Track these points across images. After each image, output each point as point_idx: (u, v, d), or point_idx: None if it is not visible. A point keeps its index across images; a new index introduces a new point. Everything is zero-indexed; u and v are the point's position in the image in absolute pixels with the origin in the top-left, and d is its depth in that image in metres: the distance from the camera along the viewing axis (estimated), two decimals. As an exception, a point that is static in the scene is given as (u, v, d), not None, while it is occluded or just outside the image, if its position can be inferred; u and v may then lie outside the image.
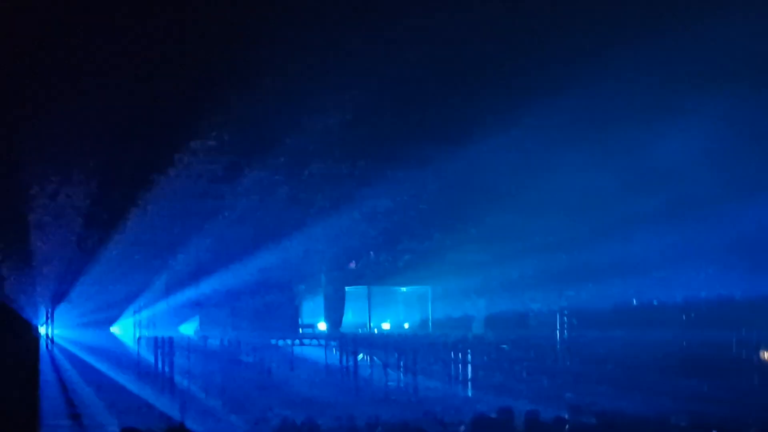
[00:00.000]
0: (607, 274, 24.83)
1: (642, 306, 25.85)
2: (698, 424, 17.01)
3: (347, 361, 24.82)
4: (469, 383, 25.24)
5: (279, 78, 18.85)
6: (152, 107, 18.73)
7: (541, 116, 20.32)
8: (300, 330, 25.97)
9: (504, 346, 25.69)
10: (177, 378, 23.60)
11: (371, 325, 27.46)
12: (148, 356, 24.02)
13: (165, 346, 23.82)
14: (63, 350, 22.91)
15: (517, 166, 22.40)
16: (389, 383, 24.53)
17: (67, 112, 18.37)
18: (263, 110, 20.07)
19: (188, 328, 25.99)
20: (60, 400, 21.10)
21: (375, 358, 25.32)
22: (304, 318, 26.55)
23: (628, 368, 24.31)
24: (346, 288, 26.91)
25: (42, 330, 22.19)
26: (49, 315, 22.46)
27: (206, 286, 24.69)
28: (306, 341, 25.51)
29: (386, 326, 28.20)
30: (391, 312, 28.79)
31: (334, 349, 25.16)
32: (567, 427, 16.60)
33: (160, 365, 23.71)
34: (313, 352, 25.40)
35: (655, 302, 25.71)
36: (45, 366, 21.54)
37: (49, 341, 22.30)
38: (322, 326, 26.62)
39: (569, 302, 26.24)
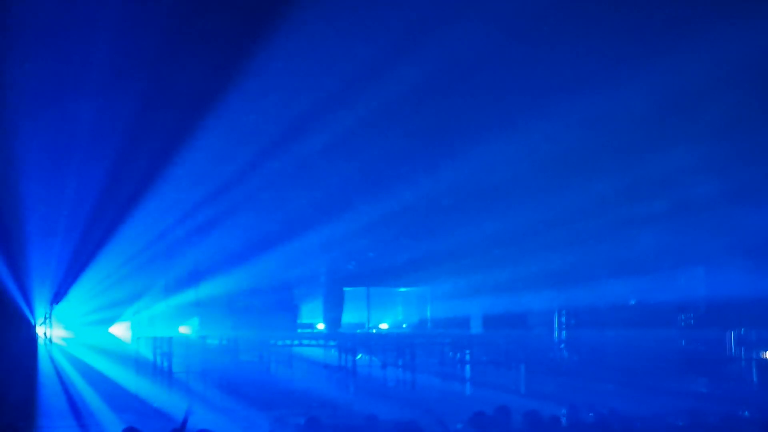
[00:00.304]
0: (606, 274, 24.88)
1: (641, 305, 25.86)
2: (697, 423, 16.98)
3: (346, 360, 24.84)
4: (467, 382, 25.28)
5: (282, 79, 18.88)
6: (154, 105, 18.75)
7: (543, 120, 20.36)
8: (299, 330, 25.98)
9: (502, 345, 25.69)
10: (176, 377, 23.61)
11: (370, 325, 27.48)
12: (148, 356, 24.03)
13: (164, 346, 23.85)
14: (62, 350, 22.90)
15: (518, 167, 22.42)
16: (388, 382, 24.58)
17: (66, 109, 18.40)
18: (264, 111, 20.11)
19: (187, 328, 25.99)
20: (59, 400, 21.12)
21: (373, 357, 25.34)
22: (303, 318, 26.56)
23: (627, 367, 24.32)
24: (345, 288, 26.94)
25: (40, 330, 22.17)
26: (47, 315, 22.44)
27: (205, 286, 24.73)
28: (305, 341, 25.53)
29: (384, 326, 28.21)
30: (389, 312, 28.80)
31: (333, 349, 25.19)
32: (565, 425, 16.58)
33: (159, 364, 23.73)
34: (312, 351, 25.41)
35: (654, 302, 25.72)
36: (44, 365, 21.59)
37: (48, 341, 22.28)
38: (321, 327, 26.63)
39: (568, 302, 26.25)
